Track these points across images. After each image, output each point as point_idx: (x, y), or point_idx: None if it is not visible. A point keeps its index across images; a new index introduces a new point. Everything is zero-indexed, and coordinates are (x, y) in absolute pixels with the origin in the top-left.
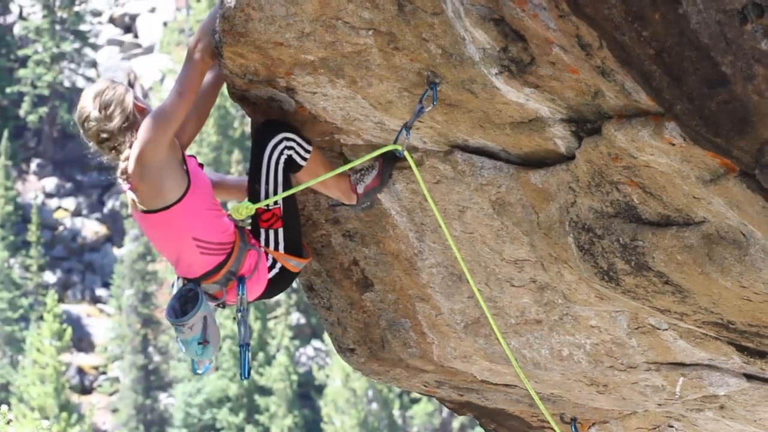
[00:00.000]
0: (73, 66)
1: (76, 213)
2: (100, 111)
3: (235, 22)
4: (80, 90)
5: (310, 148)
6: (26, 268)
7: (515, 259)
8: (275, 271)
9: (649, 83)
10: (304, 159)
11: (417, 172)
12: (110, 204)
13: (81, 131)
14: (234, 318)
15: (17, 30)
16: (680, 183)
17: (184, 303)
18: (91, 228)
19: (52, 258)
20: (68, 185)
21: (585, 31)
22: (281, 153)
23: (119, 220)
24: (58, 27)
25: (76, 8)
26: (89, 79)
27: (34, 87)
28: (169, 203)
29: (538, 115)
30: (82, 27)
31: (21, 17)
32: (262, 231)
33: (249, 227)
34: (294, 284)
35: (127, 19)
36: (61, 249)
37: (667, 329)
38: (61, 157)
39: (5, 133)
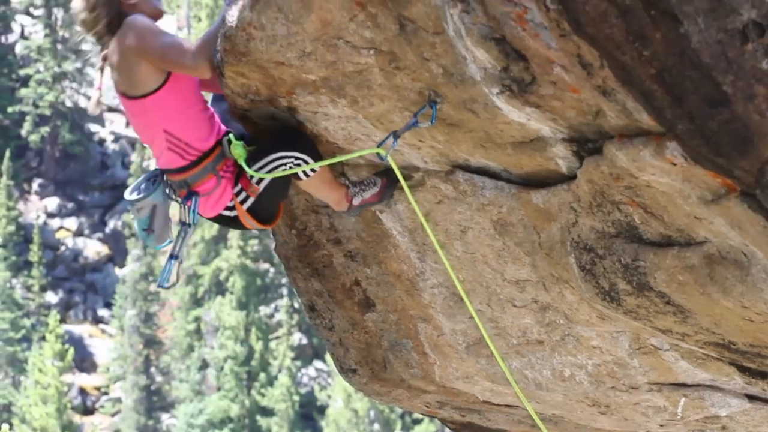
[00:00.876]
0: (74, 85)
1: (78, 233)
2: (88, 12)
3: (237, 41)
4: (82, 110)
5: (317, 169)
6: (28, 289)
7: (517, 280)
8: (229, 214)
9: (651, 103)
10: (307, 175)
11: (405, 184)
12: (112, 224)
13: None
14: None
15: (19, 49)
16: (681, 203)
17: (146, 186)
18: (93, 248)
19: (54, 278)
20: (70, 205)
21: (586, 50)
22: (286, 163)
23: (121, 240)
24: (59, 46)
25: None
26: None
27: (36, 107)
28: (144, 92)
29: (539, 134)
30: (84, 46)
31: (23, 36)
32: (240, 185)
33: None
34: (296, 304)
35: None
36: (63, 269)
37: (668, 350)
38: (63, 177)
39: (7, 153)
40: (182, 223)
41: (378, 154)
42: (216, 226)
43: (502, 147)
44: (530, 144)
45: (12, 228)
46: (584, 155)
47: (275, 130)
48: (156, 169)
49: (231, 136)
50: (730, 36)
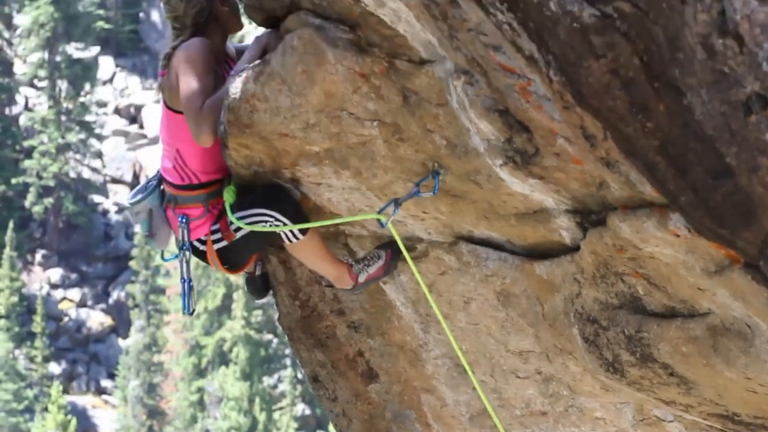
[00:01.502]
0: (78, 157)
1: (81, 304)
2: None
3: (240, 113)
4: (86, 181)
5: (301, 237)
6: (31, 360)
7: (520, 351)
8: (199, 246)
9: (654, 174)
10: (290, 240)
11: (407, 254)
12: (115, 295)
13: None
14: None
15: (23, 121)
16: (685, 274)
17: (143, 189)
18: (96, 319)
19: (57, 349)
20: (73, 276)
21: (590, 122)
22: (267, 221)
23: (124, 310)
24: (63, 118)
25: (82, 99)
26: (95, 170)
27: (40, 178)
28: (175, 108)
29: (542, 206)
30: (88, 118)
31: (27, 108)
32: (219, 225)
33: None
34: (300, 375)
35: (132, 109)
36: (66, 340)
37: (672, 421)
38: (66, 248)
39: (10, 224)
40: (180, 248)
41: (378, 220)
42: (219, 296)
43: (505, 218)
44: (534, 215)
45: (15, 299)
46: (588, 227)
47: (265, 184)
48: (156, 174)
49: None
50: (733, 108)
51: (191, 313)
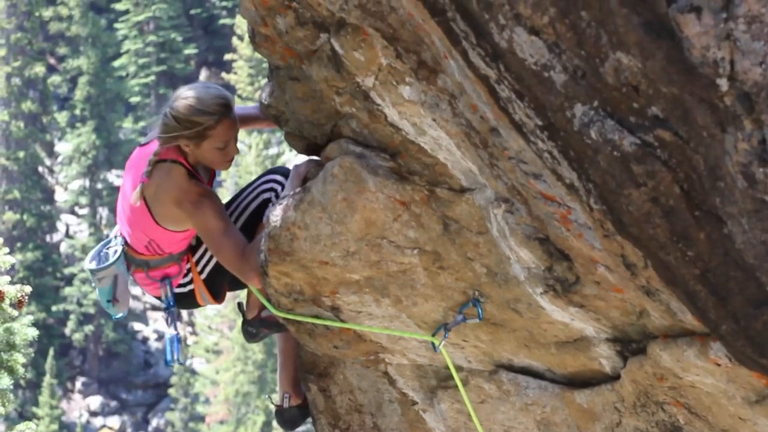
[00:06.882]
0: None
1: (121, 431)
2: (175, 111)
3: (281, 241)
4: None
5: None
6: None
7: None
8: (184, 289)
9: (695, 303)
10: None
11: (459, 381)
12: (155, 422)
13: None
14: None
15: (63, 248)
16: (726, 403)
17: (106, 255)
18: None
19: None
20: (113, 404)
21: (630, 250)
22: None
23: None
24: None
25: None
26: (134, 298)
27: (80, 305)
28: (157, 221)
29: (583, 334)
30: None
31: (67, 236)
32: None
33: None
34: None
35: None
36: None
37: None
38: (107, 375)
39: (50, 352)
40: (165, 308)
41: (432, 344)
42: (258, 424)
43: (545, 347)
44: (574, 344)
45: (55, 427)
46: (628, 355)
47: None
48: (116, 238)
49: None
50: None
51: (176, 364)
